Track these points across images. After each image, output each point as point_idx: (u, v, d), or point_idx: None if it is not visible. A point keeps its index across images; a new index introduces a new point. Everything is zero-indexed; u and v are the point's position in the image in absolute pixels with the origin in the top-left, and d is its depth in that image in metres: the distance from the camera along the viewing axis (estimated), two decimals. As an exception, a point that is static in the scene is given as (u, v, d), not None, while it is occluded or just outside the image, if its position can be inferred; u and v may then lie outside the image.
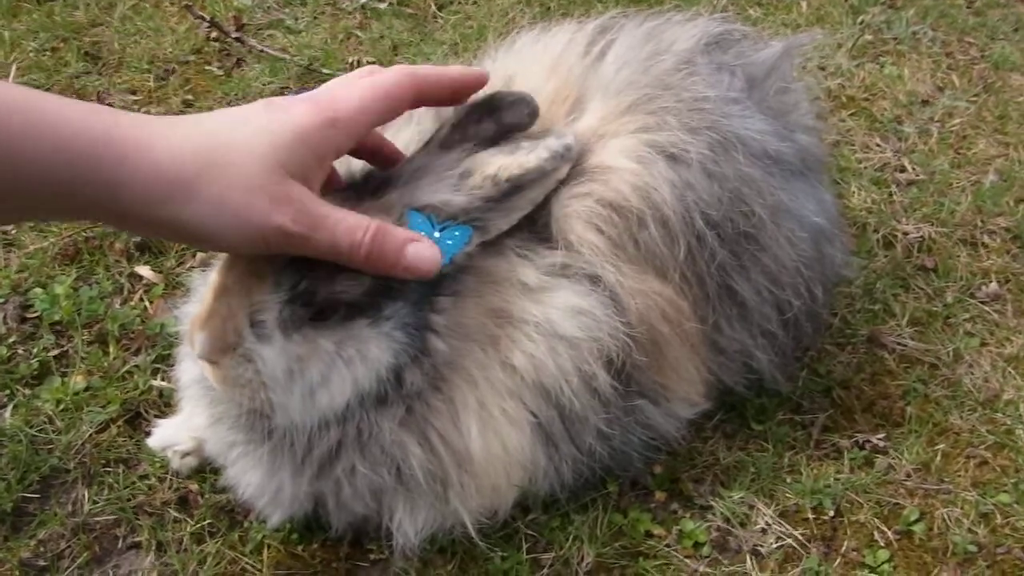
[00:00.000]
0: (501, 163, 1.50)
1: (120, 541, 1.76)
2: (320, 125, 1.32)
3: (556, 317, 1.58)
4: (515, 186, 1.51)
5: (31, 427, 1.90)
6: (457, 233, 1.49)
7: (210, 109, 2.74)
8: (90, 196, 1.18)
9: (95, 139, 1.16)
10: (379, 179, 1.56)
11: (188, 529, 1.76)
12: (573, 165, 1.64)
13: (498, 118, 1.58)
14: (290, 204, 1.28)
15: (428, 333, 1.54)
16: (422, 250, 1.42)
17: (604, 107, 1.76)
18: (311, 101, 1.36)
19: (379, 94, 1.41)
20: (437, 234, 1.47)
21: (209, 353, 1.48)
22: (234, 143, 1.25)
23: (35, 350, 2.06)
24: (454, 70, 1.54)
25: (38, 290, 2.17)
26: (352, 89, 1.41)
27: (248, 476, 1.65)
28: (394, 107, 1.45)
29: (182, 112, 2.77)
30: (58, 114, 1.15)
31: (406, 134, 1.75)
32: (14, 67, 2.81)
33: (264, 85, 2.89)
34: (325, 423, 1.54)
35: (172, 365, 1.91)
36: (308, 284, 1.44)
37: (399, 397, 1.54)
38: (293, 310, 1.46)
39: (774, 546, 1.79)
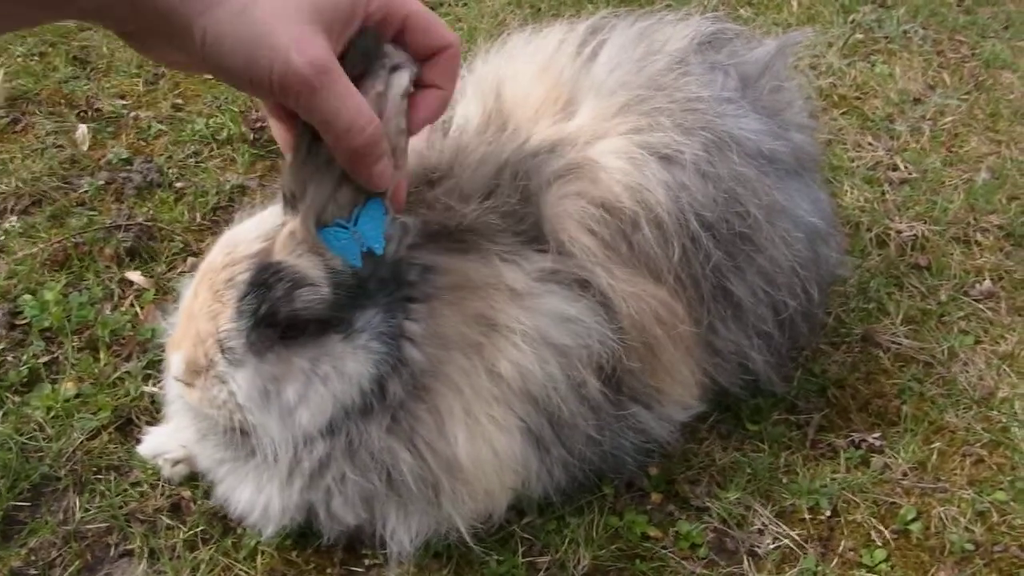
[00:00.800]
0: None
1: (112, 549, 1.75)
2: None
3: (545, 325, 1.57)
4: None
5: (21, 435, 1.88)
6: (370, 212, 1.42)
7: (200, 113, 2.75)
8: None
9: None
10: (293, 191, 1.45)
11: (181, 536, 1.75)
12: (563, 163, 1.63)
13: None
14: (314, 50, 1.18)
15: (404, 342, 1.52)
16: (388, 168, 1.35)
17: (596, 108, 1.75)
18: None
19: None
20: (354, 228, 1.42)
21: (183, 375, 1.50)
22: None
23: (25, 357, 2.04)
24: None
25: (27, 296, 2.15)
26: None
27: (237, 492, 1.64)
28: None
29: (171, 116, 2.76)
30: None
31: None
32: (1, 72, 2.79)
33: (254, 88, 2.86)
34: (310, 438, 1.53)
35: (163, 372, 1.89)
36: (268, 306, 1.44)
37: (384, 407, 1.53)
38: (260, 332, 1.46)
39: (771, 547, 1.78)
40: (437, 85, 1.39)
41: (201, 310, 1.47)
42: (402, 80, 1.33)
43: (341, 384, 1.50)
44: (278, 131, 1.42)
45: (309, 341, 1.48)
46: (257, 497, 1.61)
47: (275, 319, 1.45)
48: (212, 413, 1.53)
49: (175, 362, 1.50)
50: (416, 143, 1.67)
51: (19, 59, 2.92)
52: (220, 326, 1.46)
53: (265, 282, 1.43)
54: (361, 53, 1.28)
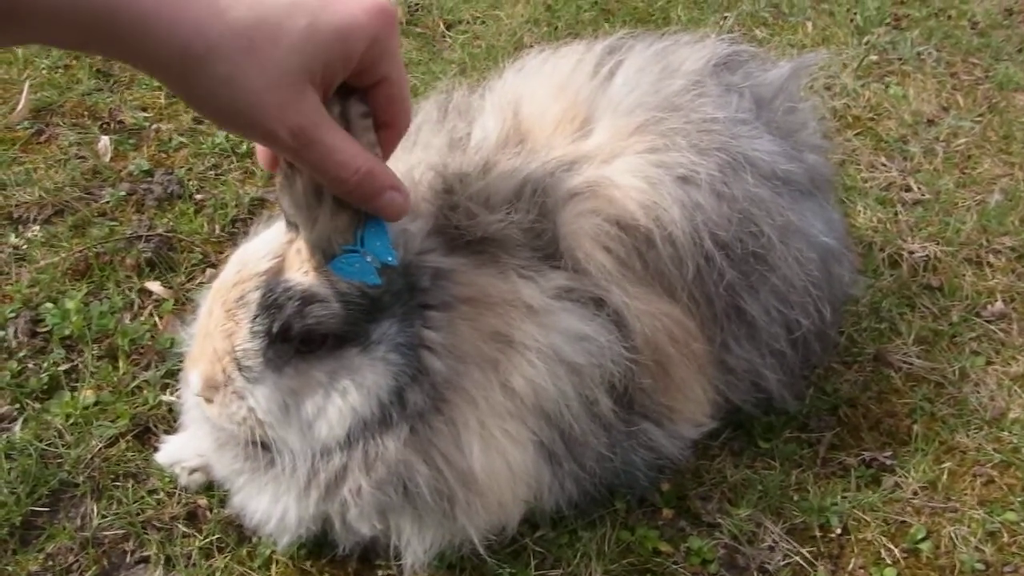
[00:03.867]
0: None
1: (128, 556, 1.77)
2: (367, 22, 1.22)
3: (559, 342, 1.58)
4: None
5: (41, 441, 1.91)
6: (371, 228, 1.42)
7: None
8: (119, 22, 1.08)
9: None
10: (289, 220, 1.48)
11: (197, 544, 1.77)
12: (579, 181, 1.65)
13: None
14: (296, 118, 1.19)
15: (423, 351, 1.54)
16: (396, 199, 1.33)
17: (613, 127, 1.77)
18: None
19: None
20: (363, 249, 1.42)
21: (203, 391, 1.52)
22: (273, 35, 1.15)
23: (45, 364, 2.07)
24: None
25: (49, 305, 2.18)
26: None
27: (254, 502, 1.65)
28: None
29: (192, 129, 2.79)
30: None
31: (413, 157, 1.74)
32: (27, 84, 2.83)
33: (273, 103, 2.89)
34: (328, 450, 1.55)
35: (180, 381, 1.92)
36: (281, 324, 1.46)
37: (403, 418, 1.54)
38: (276, 349, 1.48)
39: (781, 563, 1.79)
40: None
41: (216, 328, 1.50)
42: (359, 106, 1.30)
43: (360, 396, 1.52)
44: (260, 149, 1.41)
45: (327, 355, 1.50)
46: (274, 507, 1.62)
47: (289, 335, 1.47)
48: (232, 428, 1.55)
49: (194, 379, 1.52)
50: (433, 159, 1.70)
51: (44, 71, 2.96)
52: (235, 344, 1.48)
53: (275, 302, 1.46)
54: None
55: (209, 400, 1.52)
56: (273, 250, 1.50)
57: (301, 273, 1.46)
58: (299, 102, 1.19)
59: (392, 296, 1.50)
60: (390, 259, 1.44)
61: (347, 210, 1.38)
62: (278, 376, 1.49)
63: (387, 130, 1.36)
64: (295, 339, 1.48)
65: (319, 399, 1.51)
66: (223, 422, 1.54)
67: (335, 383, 1.51)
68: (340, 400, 1.51)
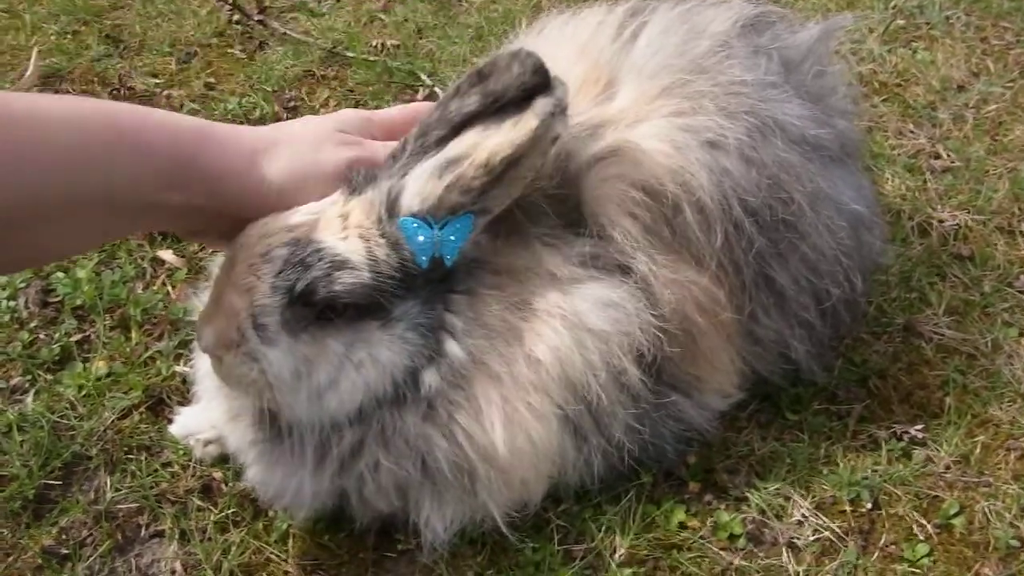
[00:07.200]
0: (491, 146, 1.41)
1: (143, 529, 1.74)
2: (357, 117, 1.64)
3: (585, 310, 1.54)
4: (512, 162, 1.42)
5: (53, 413, 1.88)
6: (458, 225, 1.44)
7: (232, 92, 2.73)
8: (192, 175, 1.38)
9: (196, 127, 1.42)
10: (365, 175, 1.49)
11: (212, 518, 1.74)
12: (603, 145, 1.60)
13: (484, 88, 1.44)
14: (355, 144, 1.54)
15: (444, 334, 1.50)
16: None
17: (637, 90, 1.71)
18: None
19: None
20: (438, 232, 1.43)
21: (213, 348, 1.47)
22: (295, 127, 1.56)
23: (57, 335, 2.04)
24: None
25: (60, 274, 2.14)
26: None
27: (268, 475, 1.62)
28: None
29: (204, 95, 2.74)
30: (165, 116, 1.40)
31: None
32: (35, 50, 2.78)
33: (287, 68, 2.85)
34: (338, 424, 1.52)
35: (194, 351, 1.88)
36: (306, 285, 1.42)
37: (418, 398, 1.51)
38: (295, 311, 1.44)
39: (811, 539, 1.75)
40: None
41: (237, 281, 1.45)
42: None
43: (375, 372, 1.48)
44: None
45: (345, 325, 1.46)
46: (288, 481, 1.59)
47: (312, 299, 1.43)
48: (240, 391, 1.52)
49: (206, 335, 1.47)
50: None
51: (52, 37, 2.92)
52: (254, 300, 1.43)
53: (303, 260, 1.41)
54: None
55: (218, 357, 1.48)
56: (308, 207, 1.46)
57: (338, 237, 1.43)
58: (347, 138, 1.56)
59: (424, 279, 1.47)
60: (448, 257, 1.45)
61: (468, 194, 1.42)
62: (293, 340, 1.45)
63: None
64: (318, 304, 1.43)
65: (332, 370, 1.47)
66: (231, 382, 1.50)
67: (351, 355, 1.47)
68: (354, 373, 1.48)
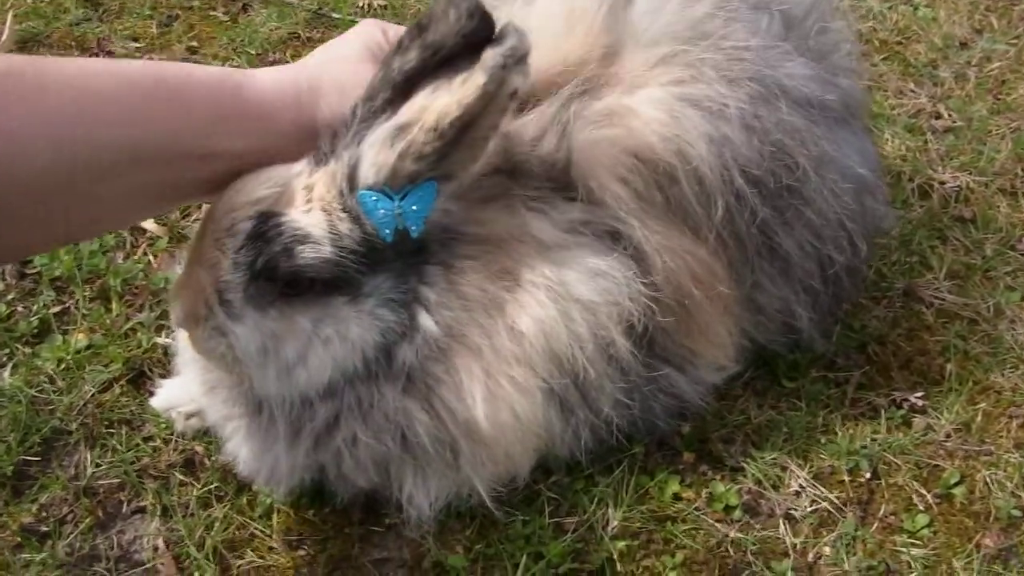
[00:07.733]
0: (439, 108, 1.31)
1: (124, 505, 1.70)
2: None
3: (572, 280, 1.48)
4: (465, 123, 1.33)
5: (31, 387, 1.84)
6: (420, 194, 1.36)
7: (215, 56, 2.66)
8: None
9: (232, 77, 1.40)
10: (327, 146, 1.42)
11: (194, 493, 1.70)
12: (598, 107, 1.54)
13: (423, 41, 1.35)
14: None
15: (417, 308, 1.45)
16: None
17: (635, 58, 1.63)
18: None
19: None
20: (399, 203, 1.35)
21: (183, 321, 1.45)
22: (326, 59, 1.51)
23: (35, 307, 1.99)
24: None
25: (37, 244, 2.08)
26: None
27: (244, 450, 1.58)
28: None
29: (186, 58, 2.67)
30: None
31: None
32: (11, 14, 2.70)
33: (271, 31, 2.77)
34: (309, 399, 1.48)
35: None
36: (267, 260, 1.37)
37: (391, 374, 1.47)
38: (258, 286, 1.39)
39: (808, 509, 1.71)
40: None
41: (202, 256, 1.41)
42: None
43: (343, 349, 1.44)
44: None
45: (313, 300, 1.42)
46: (264, 456, 1.55)
47: (274, 273, 1.38)
48: (212, 363, 1.50)
49: (176, 309, 1.45)
50: None
51: (29, 0, 2.84)
52: (219, 276, 1.39)
53: (263, 234, 1.36)
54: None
55: (189, 331, 1.46)
56: (274, 178, 1.40)
57: (301, 211, 1.38)
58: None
59: (395, 252, 1.42)
60: (414, 228, 1.38)
61: (422, 161, 1.33)
62: (260, 316, 1.41)
63: None
64: (280, 280, 1.39)
65: (300, 346, 1.43)
66: (203, 355, 1.48)
67: (318, 331, 1.43)
68: (322, 349, 1.44)
